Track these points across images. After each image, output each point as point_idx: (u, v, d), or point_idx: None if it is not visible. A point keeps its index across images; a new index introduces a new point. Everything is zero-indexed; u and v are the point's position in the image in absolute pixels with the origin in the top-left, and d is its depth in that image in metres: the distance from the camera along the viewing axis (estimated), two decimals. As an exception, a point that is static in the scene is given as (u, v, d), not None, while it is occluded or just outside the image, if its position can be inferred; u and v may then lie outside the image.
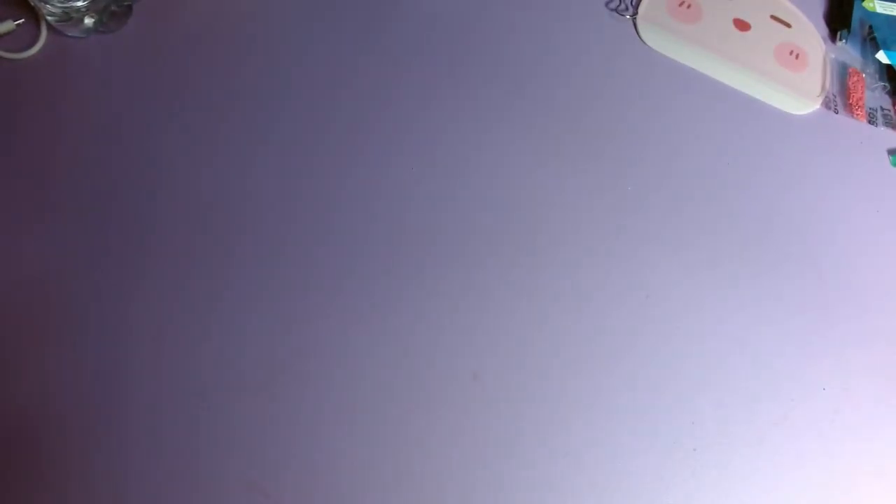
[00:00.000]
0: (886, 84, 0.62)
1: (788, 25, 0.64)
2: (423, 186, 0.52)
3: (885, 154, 0.60)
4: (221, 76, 0.54)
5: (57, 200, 0.48)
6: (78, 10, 0.50)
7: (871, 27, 0.65)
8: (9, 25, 0.52)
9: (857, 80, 0.62)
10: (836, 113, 0.61)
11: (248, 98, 0.53)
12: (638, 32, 0.62)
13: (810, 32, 0.64)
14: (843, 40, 0.64)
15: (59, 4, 0.50)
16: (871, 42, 0.64)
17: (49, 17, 0.51)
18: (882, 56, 0.63)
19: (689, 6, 0.64)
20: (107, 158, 0.50)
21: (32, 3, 0.51)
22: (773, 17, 0.64)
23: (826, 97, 0.61)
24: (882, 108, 0.61)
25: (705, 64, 0.61)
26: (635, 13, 0.62)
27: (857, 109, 0.61)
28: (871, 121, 0.61)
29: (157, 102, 0.52)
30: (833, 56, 0.63)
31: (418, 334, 0.47)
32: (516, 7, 0.61)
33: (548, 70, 0.58)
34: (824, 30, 0.65)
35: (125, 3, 0.54)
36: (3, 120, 0.50)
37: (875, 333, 0.52)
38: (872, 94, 0.62)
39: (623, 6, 0.63)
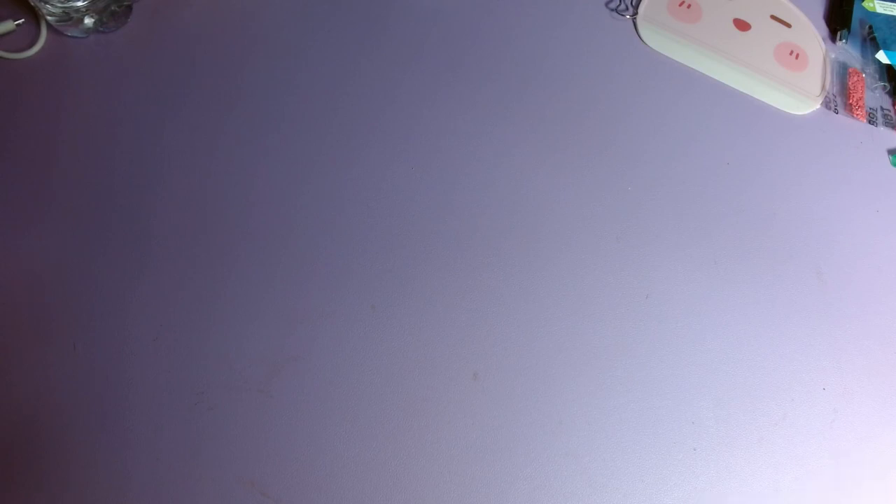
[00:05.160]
0: (886, 84, 0.62)
1: (788, 25, 0.64)
2: (423, 186, 0.52)
3: (885, 154, 0.60)
4: (221, 76, 0.54)
5: (57, 200, 0.48)
6: (78, 10, 0.50)
7: (871, 27, 0.65)
8: (9, 25, 0.52)
9: (857, 80, 0.62)
10: (836, 113, 0.61)
11: (249, 97, 0.53)
12: (638, 32, 0.62)
13: (810, 32, 0.64)
14: (843, 40, 0.64)
15: (59, 4, 0.50)
16: (871, 42, 0.64)
17: (49, 17, 0.51)
18: (882, 56, 0.63)
19: (689, 6, 0.64)
20: (107, 158, 0.50)
21: (32, 3, 0.52)
22: (773, 17, 0.64)
23: (826, 97, 0.61)
24: (882, 108, 0.61)
25: (705, 64, 0.61)
26: (635, 13, 0.62)
27: (857, 109, 0.61)
28: (871, 121, 0.61)
29: (157, 102, 0.52)
30: (833, 56, 0.63)
31: (418, 334, 0.47)
32: (516, 7, 0.61)
33: (548, 70, 0.59)
34: (824, 30, 0.65)
35: (125, 3, 0.54)
36: (3, 120, 0.50)
37: (875, 333, 0.52)
38: (872, 94, 0.62)
39: (623, 6, 0.63)
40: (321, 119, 0.53)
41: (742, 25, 0.63)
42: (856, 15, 0.65)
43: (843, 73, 0.63)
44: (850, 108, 0.61)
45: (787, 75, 0.62)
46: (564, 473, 0.45)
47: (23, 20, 0.53)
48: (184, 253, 0.47)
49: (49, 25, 0.53)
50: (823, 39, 0.64)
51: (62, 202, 0.48)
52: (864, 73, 0.63)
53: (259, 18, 0.57)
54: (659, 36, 0.62)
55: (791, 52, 0.63)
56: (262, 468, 0.42)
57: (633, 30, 0.62)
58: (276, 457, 0.43)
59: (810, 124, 0.60)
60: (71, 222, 0.47)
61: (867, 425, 0.49)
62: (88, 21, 0.52)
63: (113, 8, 0.53)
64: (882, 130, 0.61)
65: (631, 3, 0.63)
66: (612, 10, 0.62)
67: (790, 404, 0.49)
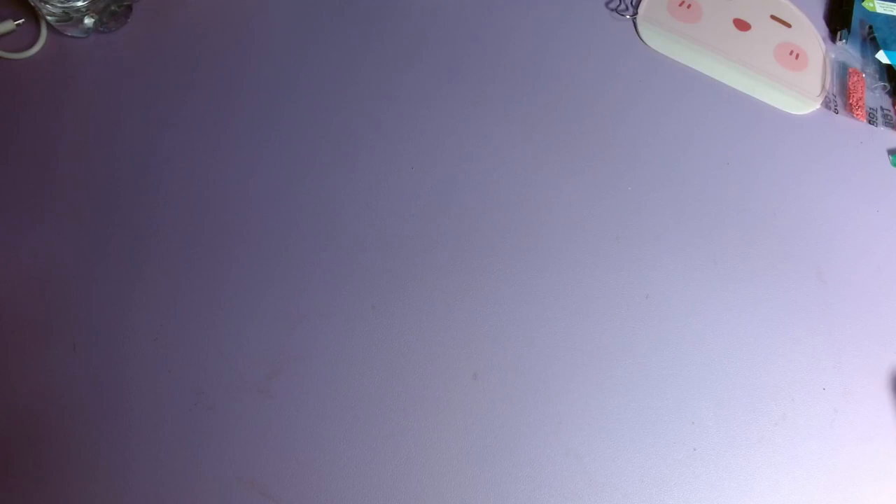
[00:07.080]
0: (886, 84, 0.62)
1: (788, 25, 0.64)
2: (423, 186, 0.52)
3: (885, 154, 0.60)
4: (221, 75, 0.54)
5: (57, 200, 0.48)
6: (78, 10, 0.51)
7: (871, 27, 0.65)
8: (9, 25, 0.52)
9: (857, 80, 0.62)
10: (836, 113, 0.61)
11: (248, 97, 0.53)
12: (638, 32, 0.62)
13: (810, 32, 0.64)
14: (844, 40, 0.64)
15: (59, 4, 0.50)
16: (871, 42, 0.64)
17: (49, 17, 0.51)
18: (882, 56, 0.63)
19: (689, 6, 0.64)
20: (107, 158, 0.50)
21: (32, 3, 0.52)
22: (773, 17, 0.64)
23: (826, 97, 0.61)
24: (882, 108, 0.61)
25: (705, 64, 0.61)
26: (635, 13, 0.62)
27: (857, 109, 0.61)
28: (871, 121, 0.61)
29: (156, 102, 0.52)
30: (833, 56, 0.63)
31: (418, 334, 0.47)
32: (516, 7, 0.61)
33: (548, 70, 0.59)
34: (824, 30, 0.65)
35: (125, 3, 0.54)
36: (3, 120, 0.50)
37: (875, 334, 0.52)
38: (872, 94, 0.62)
39: (623, 6, 0.63)
40: (321, 119, 0.53)
41: (742, 25, 0.63)
42: (856, 15, 0.65)
43: (843, 73, 0.63)
44: (850, 108, 0.61)
45: (787, 75, 0.62)
46: (564, 473, 0.45)
47: (23, 20, 0.53)
48: (184, 252, 0.47)
49: (49, 25, 0.53)
50: (823, 39, 0.64)
51: (62, 202, 0.48)
52: (864, 73, 0.63)
53: (259, 18, 0.57)
54: (659, 36, 0.62)
55: (791, 52, 0.63)
56: (262, 468, 0.42)
57: (633, 30, 0.62)
58: (276, 457, 0.43)
59: (810, 124, 0.60)
60: (71, 222, 0.47)
61: (867, 425, 0.49)
62: (88, 21, 0.52)
63: (113, 8, 0.53)
64: (882, 130, 0.61)
65: (631, 3, 0.63)
66: (612, 10, 0.63)
67: (790, 404, 0.49)
